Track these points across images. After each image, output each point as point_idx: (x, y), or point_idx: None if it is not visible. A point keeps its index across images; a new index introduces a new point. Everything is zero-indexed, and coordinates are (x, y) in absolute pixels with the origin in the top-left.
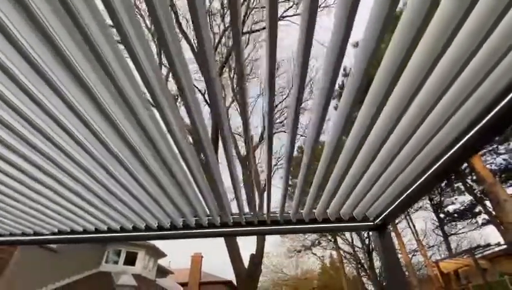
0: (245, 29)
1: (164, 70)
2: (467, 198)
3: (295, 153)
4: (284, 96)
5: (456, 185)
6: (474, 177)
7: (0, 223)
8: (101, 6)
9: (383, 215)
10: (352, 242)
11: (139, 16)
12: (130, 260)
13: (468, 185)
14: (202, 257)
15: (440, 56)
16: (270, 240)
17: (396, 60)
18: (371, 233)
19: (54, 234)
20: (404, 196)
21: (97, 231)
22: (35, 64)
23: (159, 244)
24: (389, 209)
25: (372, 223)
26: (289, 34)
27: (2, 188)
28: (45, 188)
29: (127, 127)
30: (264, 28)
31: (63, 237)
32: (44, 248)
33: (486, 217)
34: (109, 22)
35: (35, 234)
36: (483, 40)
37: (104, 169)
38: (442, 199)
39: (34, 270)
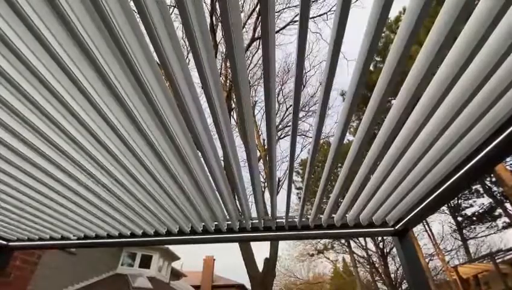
0: (256, 35)
1: None
2: (486, 200)
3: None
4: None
5: (474, 187)
6: (494, 179)
7: (30, 228)
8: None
9: (404, 221)
10: (366, 246)
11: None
12: (145, 262)
13: (487, 186)
14: (214, 259)
15: (468, 62)
16: (282, 243)
17: (424, 65)
18: (389, 238)
19: (79, 238)
20: (426, 201)
21: (120, 235)
22: (73, 79)
23: (172, 246)
24: (410, 215)
25: (392, 229)
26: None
27: (33, 194)
28: (74, 194)
29: (153, 132)
30: (278, 31)
31: (88, 242)
32: (63, 250)
33: (507, 220)
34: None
35: (63, 238)
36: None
37: (129, 174)
38: (459, 201)
39: (55, 272)
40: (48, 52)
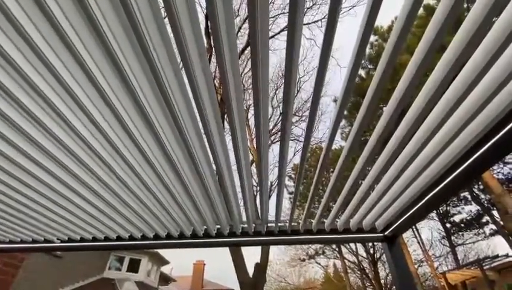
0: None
1: None
2: (474, 208)
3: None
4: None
5: (462, 195)
6: (481, 187)
7: (11, 230)
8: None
9: (393, 227)
10: (357, 252)
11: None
12: (133, 266)
13: (474, 194)
14: (204, 264)
15: (456, 69)
16: (273, 248)
17: (412, 73)
18: (379, 244)
19: (63, 241)
20: (415, 208)
21: (106, 239)
22: (63, 83)
23: (162, 250)
24: (399, 221)
25: (381, 235)
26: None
27: (14, 195)
28: (58, 195)
29: (142, 134)
30: (273, 36)
31: (72, 245)
32: (48, 253)
33: (494, 227)
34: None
35: (46, 241)
36: (494, 57)
37: (116, 176)
38: (448, 208)
39: (39, 276)
40: (44, 64)
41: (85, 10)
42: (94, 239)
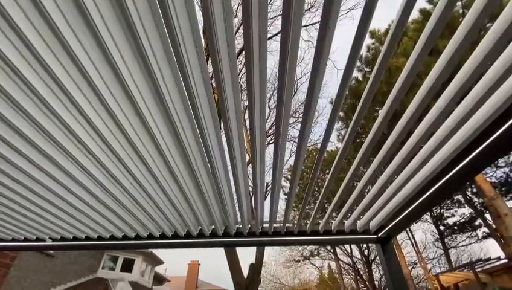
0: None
1: None
2: (467, 210)
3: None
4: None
5: (456, 197)
6: (474, 190)
7: (2, 229)
8: None
9: (386, 229)
10: (351, 253)
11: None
12: (127, 266)
13: (468, 197)
14: (199, 264)
15: (450, 73)
16: (268, 249)
17: (403, 77)
18: (374, 246)
19: (56, 240)
20: (409, 209)
21: (100, 238)
22: (55, 79)
23: (156, 250)
24: (393, 223)
25: (375, 236)
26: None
27: (6, 192)
28: (51, 193)
29: (138, 133)
30: (271, 38)
31: (65, 244)
32: (40, 252)
33: (486, 230)
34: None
35: (38, 240)
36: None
37: (110, 175)
38: (442, 211)
39: (31, 274)
40: (40, 64)
41: (83, 13)
42: (87, 238)
